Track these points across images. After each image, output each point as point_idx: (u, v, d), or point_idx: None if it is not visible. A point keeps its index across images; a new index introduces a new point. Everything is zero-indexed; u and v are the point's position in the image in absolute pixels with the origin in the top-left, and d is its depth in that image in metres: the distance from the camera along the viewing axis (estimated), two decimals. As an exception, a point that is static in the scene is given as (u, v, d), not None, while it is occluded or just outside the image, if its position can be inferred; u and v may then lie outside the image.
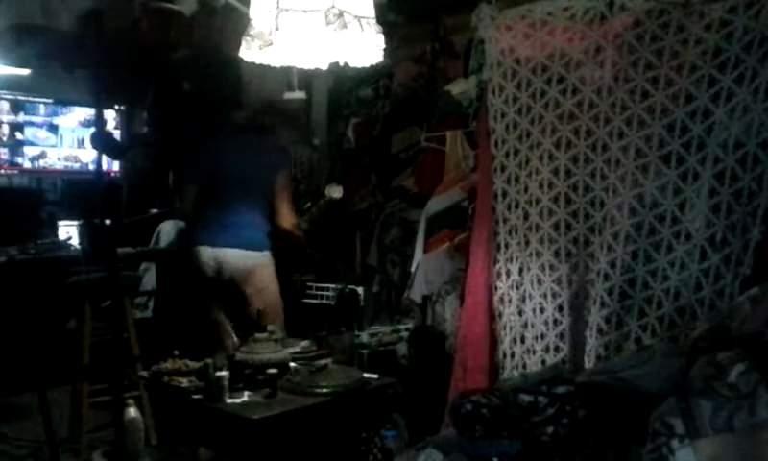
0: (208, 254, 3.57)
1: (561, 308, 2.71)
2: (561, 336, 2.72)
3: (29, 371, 3.31)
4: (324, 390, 2.76)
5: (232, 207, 3.60)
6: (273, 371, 2.77)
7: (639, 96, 2.48)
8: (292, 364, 2.98)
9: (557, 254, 2.70)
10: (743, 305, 2.05)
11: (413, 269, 3.82)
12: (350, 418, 2.80)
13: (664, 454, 1.79)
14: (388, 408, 2.85)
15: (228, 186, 3.62)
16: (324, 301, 3.65)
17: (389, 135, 4.47)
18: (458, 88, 3.88)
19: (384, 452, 2.72)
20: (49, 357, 3.61)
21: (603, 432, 2.07)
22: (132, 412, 3.05)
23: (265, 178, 3.69)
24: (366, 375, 2.97)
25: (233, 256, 3.57)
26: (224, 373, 2.72)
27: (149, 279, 5.19)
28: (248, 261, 3.60)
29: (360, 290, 3.61)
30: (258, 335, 2.93)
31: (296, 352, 3.16)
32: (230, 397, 2.69)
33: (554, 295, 2.73)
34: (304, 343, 3.34)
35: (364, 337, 3.29)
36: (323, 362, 3.02)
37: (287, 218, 3.71)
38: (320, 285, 3.73)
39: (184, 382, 2.80)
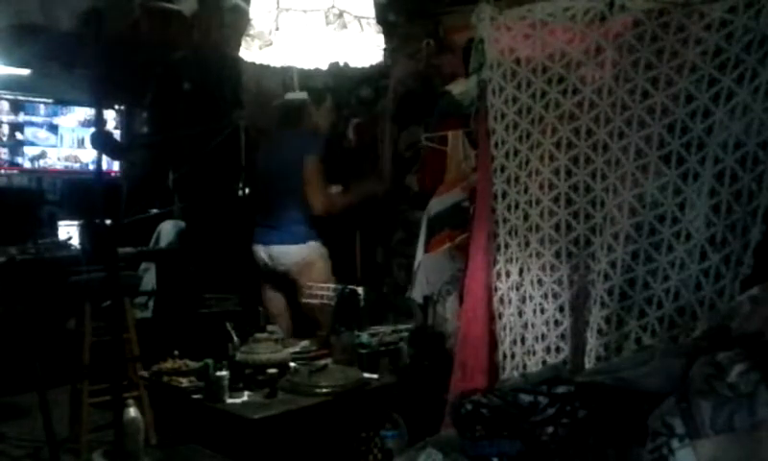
0: (261, 250, 3.98)
1: (562, 309, 2.71)
2: (562, 337, 2.71)
3: (29, 371, 3.30)
4: (324, 390, 2.77)
5: (275, 206, 3.95)
6: (273, 371, 2.77)
7: (639, 96, 2.47)
8: (292, 364, 2.99)
9: (557, 254, 2.70)
10: (743, 305, 2.04)
11: (414, 269, 3.82)
12: (350, 418, 2.80)
13: (664, 454, 1.78)
14: (388, 408, 2.85)
15: (268, 187, 3.99)
16: (324, 301, 3.65)
17: (398, 133, 4.48)
18: (458, 88, 3.88)
19: (384, 452, 2.72)
20: (49, 357, 3.60)
21: (603, 432, 2.07)
22: (132, 412, 3.05)
23: (297, 170, 3.88)
24: (366, 375, 2.97)
25: (279, 252, 3.92)
26: (224, 373, 2.72)
27: (149, 278, 5.19)
28: (295, 255, 3.89)
29: (360, 290, 3.61)
30: (258, 335, 2.94)
31: (296, 352, 3.16)
32: (230, 397, 2.69)
33: (555, 295, 2.72)
34: (304, 343, 3.35)
35: (364, 337, 3.28)
36: (322, 362, 3.03)
37: (317, 203, 3.87)
38: (320, 285, 3.75)
39: (184, 382, 2.81)
